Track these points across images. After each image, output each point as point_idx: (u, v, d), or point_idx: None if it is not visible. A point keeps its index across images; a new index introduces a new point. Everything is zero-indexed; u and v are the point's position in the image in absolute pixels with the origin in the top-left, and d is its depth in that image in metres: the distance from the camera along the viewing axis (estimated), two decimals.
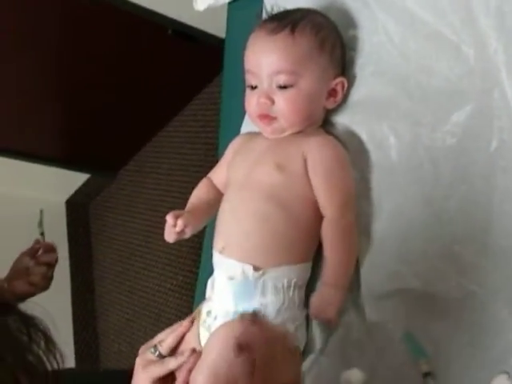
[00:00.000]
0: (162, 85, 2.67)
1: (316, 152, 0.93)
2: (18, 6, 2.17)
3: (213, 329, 0.90)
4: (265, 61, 0.93)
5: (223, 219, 0.96)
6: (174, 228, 0.97)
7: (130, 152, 3.12)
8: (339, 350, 0.90)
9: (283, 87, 0.92)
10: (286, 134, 0.96)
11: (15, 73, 2.46)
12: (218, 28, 2.42)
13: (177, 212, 0.98)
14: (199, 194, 1.06)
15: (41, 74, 2.54)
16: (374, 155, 0.94)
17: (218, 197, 1.02)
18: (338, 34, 0.98)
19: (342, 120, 0.99)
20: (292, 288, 0.89)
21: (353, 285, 0.92)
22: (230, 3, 1.27)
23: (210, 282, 0.95)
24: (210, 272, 0.97)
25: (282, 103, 0.93)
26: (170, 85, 2.67)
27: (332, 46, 0.95)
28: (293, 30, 0.93)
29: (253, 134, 1.03)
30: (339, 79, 0.96)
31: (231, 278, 0.90)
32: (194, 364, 0.86)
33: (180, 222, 0.96)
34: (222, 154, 1.10)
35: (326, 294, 0.89)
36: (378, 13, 0.96)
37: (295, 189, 0.92)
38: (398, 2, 0.93)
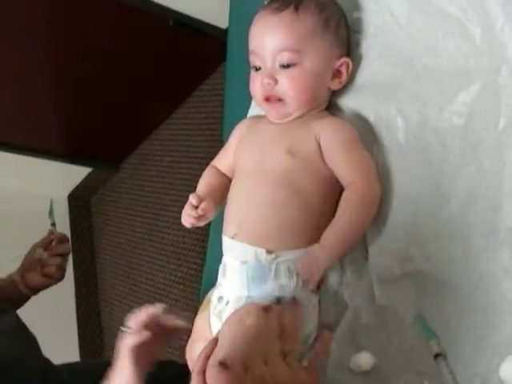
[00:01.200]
0: (164, 76, 2.66)
1: (330, 132, 0.92)
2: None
3: (224, 314, 0.89)
4: (268, 39, 0.92)
5: (234, 206, 0.95)
6: (194, 211, 0.96)
7: (132, 145, 3.11)
8: (348, 335, 0.90)
9: (287, 66, 0.91)
10: (292, 117, 0.95)
11: (16, 68, 2.45)
12: (219, 18, 2.42)
13: (199, 194, 0.97)
14: (210, 181, 1.04)
15: (40, 68, 2.53)
16: (382, 137, 0.93)
17: (228, 184, 1.01)
18: (342, 14, 0.97)
19: (348, 103, 0.99)
20: None
21: (361, 268, 0.92)
22: None
23: (221, 268, 0.94)
24: (216, 261, 0.97)
25: (286, 82, 0.92)
26: (171, 76, 2.66)
27: (336, 25, 0.94)
28: (297, 8, 0.91)
29: (258, 118, 1.02)
30: (344, 59, 0.95)
31: (244, 262, 0.89)
32: (211, 351, 0.85)
33: (203, 205, 0.95)
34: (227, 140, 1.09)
35: (317, 256, 0.86)
36: None
37: (308, 173, 0.91)
38: None
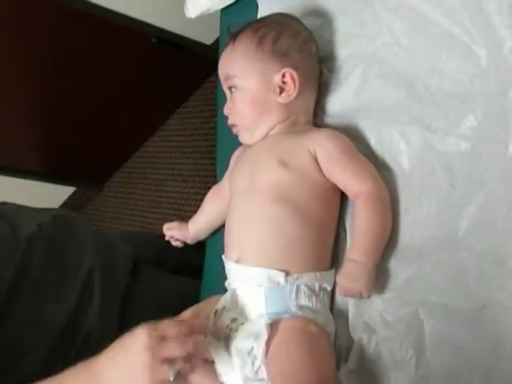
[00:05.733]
0: (148, 94, 2.63)
1: (326, 142, 0.91)
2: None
3: (238, 332, 0.87)
4: (219, 72, 1.01)
5: (233, 228, 0.94)
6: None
7: (117, 163, 3.06)
8: (357, 367, 0.86)
9: (232, 92, 0.97)
10: (256, 136, 0.97)
11: None
12: (203, 34, 2.40)
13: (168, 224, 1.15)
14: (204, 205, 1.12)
15: (23, 87, 2.48)
16: (384, 162, 0.91)
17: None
18: (287, 26, 0.97)
19: (347, 125, 0.96)
20: (322, 292, 0.88)
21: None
22: (222, 9, 1.23)
23: (228, 294, 0.91)
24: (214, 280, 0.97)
25: (233, 107, 0.98)
26: (156, 93, 2.63)
27: (273, 39, 0.95)
28: (235, 39, 0.98)
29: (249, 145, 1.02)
30: (283, 70, 0.94)
31: (259, 285, 0.87)
32: None
33: (169, 233, 1.14)
34: (222, 162, 1.13)
35: (355, 271, 0.85)
36: (382, 13, 0.93)
37: (303, 185, 0.90)
38: (404, 0, 0.89)
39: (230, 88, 0.98)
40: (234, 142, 1.10)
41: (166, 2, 2.17)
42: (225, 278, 0.97)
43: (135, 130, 2.85)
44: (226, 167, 1.10)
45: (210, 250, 1.18)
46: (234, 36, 0.98)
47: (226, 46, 1.00)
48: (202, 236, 1.14)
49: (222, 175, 1.11)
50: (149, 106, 2.70)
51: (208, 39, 2.44)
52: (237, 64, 0.96)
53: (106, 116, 2.71)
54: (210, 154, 2.47)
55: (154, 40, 2.37)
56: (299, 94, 0.94)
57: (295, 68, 0.94)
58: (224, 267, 0.97)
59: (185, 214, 2.56)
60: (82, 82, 2.51)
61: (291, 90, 0.94)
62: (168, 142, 2.82)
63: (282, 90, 0.94)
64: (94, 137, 2.83)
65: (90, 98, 2.60)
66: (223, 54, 1.00)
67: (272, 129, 0.96)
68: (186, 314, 0.90)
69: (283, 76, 0.94)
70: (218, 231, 1.13)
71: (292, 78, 0.94)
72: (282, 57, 0.94)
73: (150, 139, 2.90)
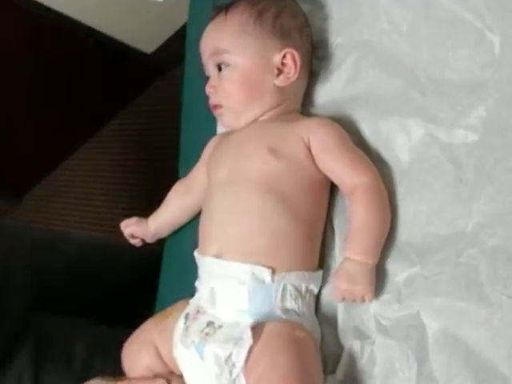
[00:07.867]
0: (80, 101, 2.48)
1: (320, 130, 0.84)
2: None
3: (214, 337, 0.77)
4: (203, 47, 0.90)
5: (212, 220, 0.85)
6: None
7: (39, 174, 2.86)
8: (349, 376, 0.79)
9: (220, 69, 0.87)
10: (243, 121, 0.88)
11: None
12: (143, 42, 2.31)
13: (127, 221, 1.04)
14: (167, 201, 1.03)
15: None
16: (380, 155, 0.85)
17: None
18: (286, 4, 0.90)
19: (337, 116, 0.89)
20: (309, 295, 0.81)
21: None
22: None
23: (205, 293, 0.82)
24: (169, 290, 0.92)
25: (220, 85, 0.88)
26: (89, 100, 2.49)
27: (274, 16, 0.87)
28: (226, 11, 0.88)
29: (230, 131, 0.93)
30: (285, 50, 0.87)
31: (242, 283, 0.77)
32: None
33: (127, 230, 1.04)
34: (185, 159, 1.06)
35: (355, 271, 0.77)
36: None
37: (292, 176, 0.82)
38: None
39: (218, 65, 0.88)
40: (199, 139, 1.02)
41: (110, 6, 2.07)
42: (185, 283, 0.89)
43: (63, 138, 2.68)
44: (191, 164, 1.01)
45: (168, 254, 1.09)
46: (225, 8, 0.89)
47: (212, 18, 0.91)
48: (163, 234, 1.04)
49: (185, 174, 1.03)
50: (78, 114, 2.54)
51: (148, 48, 2.34)
52: (230, 38, 0.86)
53: (29, 122, 2.52)
54: (141, 168, 2.36)
55: (90, 43, 2.24)
56: (296, 78, 0.87)
57: (296, 49, 0.87)
58: (186, 270, 0.90)
59: (111, 230, 2.41)
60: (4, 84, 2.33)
61: (291, 72, 0.87)
62: (97, 155, 2.67)
63: (279, 72, 0.87)
64: (14, 145, 2.63)
65: (10, 100, 2.41)
66: (210, 26, 0.90)
67: (261, 115, 0.88)
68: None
69: (283, 57, 0.86)
70: (180, 231, 1.05)
71: (293, 59, 0.86)
72: (283, 36, 0.87)
73: (79, 150, 2.74)
